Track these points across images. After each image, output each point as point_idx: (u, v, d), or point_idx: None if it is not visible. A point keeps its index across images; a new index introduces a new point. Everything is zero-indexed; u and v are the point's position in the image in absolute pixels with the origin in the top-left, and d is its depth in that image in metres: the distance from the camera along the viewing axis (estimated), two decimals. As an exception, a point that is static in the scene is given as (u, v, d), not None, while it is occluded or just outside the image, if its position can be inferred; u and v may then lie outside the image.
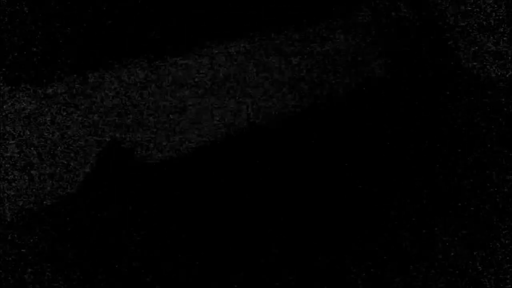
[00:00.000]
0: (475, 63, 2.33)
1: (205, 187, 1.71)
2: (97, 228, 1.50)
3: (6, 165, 1.57)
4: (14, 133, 1.58)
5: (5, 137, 1.57)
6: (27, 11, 1.58)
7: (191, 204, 1.65)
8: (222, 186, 1.73)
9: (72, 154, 1.66)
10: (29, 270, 1.46)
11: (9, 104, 1.56)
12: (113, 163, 1.61)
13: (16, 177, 1.58)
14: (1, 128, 1.55)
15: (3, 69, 1.57)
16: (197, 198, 1.67)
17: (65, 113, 1.64)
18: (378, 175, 1.90)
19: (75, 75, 1.65)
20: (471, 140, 2.06)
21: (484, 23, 2.29)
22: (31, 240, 1.51)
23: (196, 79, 1.93)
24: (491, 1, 2.28)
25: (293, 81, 2.20)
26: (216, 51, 1.97)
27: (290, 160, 1.89)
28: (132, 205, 1.54)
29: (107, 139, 1.69)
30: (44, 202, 1.60)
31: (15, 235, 1.51)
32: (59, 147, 1.63)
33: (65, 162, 1.64)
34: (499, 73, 2.30)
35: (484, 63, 2.32)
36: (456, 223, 1.71)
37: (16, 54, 1.59)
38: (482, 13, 2.29)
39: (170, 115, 1.87)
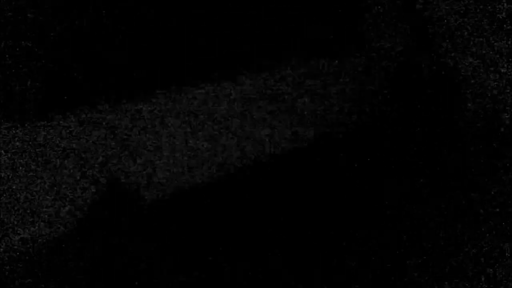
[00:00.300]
0: (480, 104, 2.31)
1: (204, 224, 1.73)
2: (92, 267, 1.51)
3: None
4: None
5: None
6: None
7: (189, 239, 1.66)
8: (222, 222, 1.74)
9: (69, 194, 1.67)
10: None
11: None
12: (112, 203, 1.61)
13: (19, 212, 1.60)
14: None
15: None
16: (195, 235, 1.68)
17: (61, 154, 1.65)
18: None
19: (70, 116, 1.65)
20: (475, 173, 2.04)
21: (492, 68, 2.28)
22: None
23: (197, 117, 1.94)
24: (496, 47, 2.27)
25: (298, 116, 2.22)
26: (218, 89, 1.97)
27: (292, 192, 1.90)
28: (132, 243, 1.55)
29: (104, 180, 1.70)
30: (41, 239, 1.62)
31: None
32: (54, 189, 1.65)
33: (62, 203, 1.66)
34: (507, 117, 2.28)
35: (490, 105, 2.30)
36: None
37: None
38: (489, 54, 2.29)
39: (170, 154, 1.88)
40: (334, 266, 1.55)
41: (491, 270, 1.51)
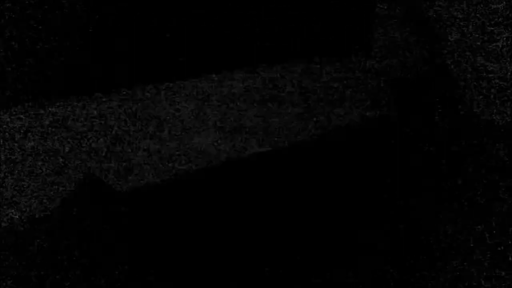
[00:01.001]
0: (485, 109, 2.33)
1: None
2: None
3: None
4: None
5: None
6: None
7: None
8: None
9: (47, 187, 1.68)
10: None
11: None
12: (89, 193, 1.62)
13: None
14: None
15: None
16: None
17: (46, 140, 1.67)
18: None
19: (57, 104, 1.68)
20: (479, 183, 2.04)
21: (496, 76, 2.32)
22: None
23: (182, 108, 1.97)
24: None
25: (299, 114, 2.24)
26: (211, 81, 2.01)
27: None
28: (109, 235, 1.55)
29: (83, 169, 1.70)
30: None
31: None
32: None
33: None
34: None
35: (495, 109, 2.33)
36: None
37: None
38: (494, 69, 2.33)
39: (152, 144, 1.90)
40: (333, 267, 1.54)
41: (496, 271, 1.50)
